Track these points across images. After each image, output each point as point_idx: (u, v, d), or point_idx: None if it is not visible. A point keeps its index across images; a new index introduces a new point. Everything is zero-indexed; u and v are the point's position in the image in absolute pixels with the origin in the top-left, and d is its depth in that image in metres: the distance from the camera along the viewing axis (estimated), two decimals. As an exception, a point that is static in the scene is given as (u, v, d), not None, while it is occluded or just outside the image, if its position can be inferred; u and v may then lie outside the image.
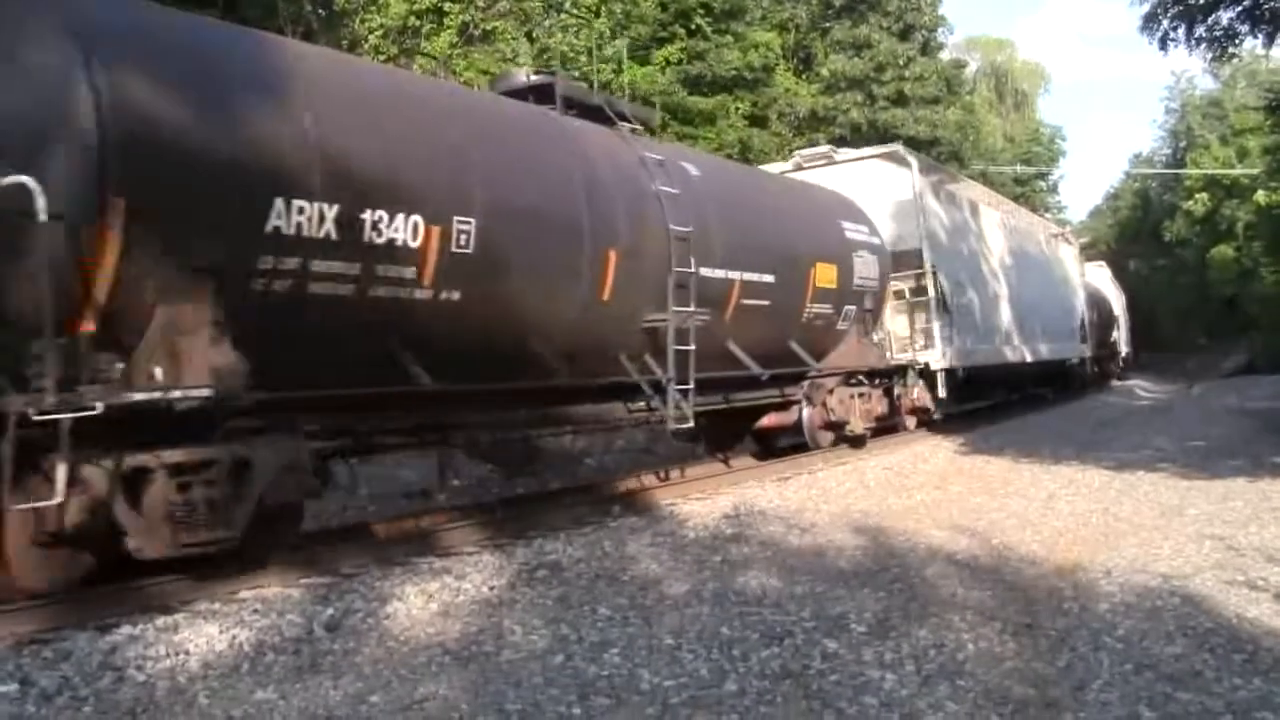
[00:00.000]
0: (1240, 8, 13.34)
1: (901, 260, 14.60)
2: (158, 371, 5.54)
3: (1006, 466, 11.66)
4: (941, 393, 15.01)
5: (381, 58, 19.14)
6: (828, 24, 33.61)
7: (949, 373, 15.16)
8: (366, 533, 8.39)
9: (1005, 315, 18.90)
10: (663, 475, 11.06)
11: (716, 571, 6.37)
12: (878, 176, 15.35)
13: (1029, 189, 49.28)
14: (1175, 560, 6.47)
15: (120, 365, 5.47)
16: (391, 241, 6.60)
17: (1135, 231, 62.80)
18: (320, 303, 6.30)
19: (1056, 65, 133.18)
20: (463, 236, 7.08)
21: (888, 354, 14.14)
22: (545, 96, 9.19)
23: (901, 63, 32.36)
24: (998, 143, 51.85)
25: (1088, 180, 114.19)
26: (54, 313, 5.04)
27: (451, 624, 5.28)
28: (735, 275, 10.10)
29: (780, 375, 11.26)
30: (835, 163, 15.69)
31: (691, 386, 9.28)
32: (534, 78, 9.58)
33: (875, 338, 13.64)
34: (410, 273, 6.80)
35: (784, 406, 12.14)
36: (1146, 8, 14.14)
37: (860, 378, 13.00)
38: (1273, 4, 13.13)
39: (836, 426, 12.71)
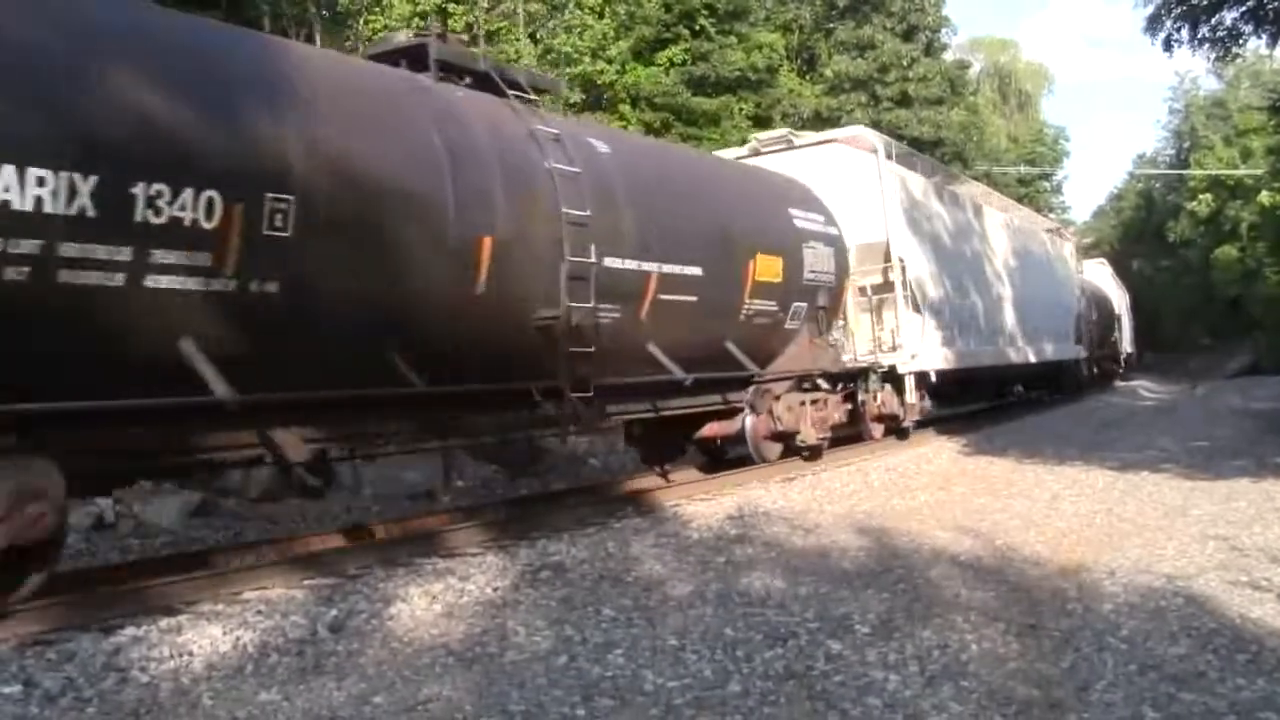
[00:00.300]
0: (1244, 8, 13.37)
1: (866, 253, 13.53)
2: None
3: (1010, 467, 11.66)
4: (910, 399, 13.90)
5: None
6: (831, 25, 33.71)
7: (919, 377, 14.09)
8: (368, 533, 8.39)
9: (987, 314, 17.79)
10: (666, 476, 11.07)
11: (720, 572, 6.37)
12: (840, 162, 14.11)
13: (1033, 190, 49.34)
14: (1179, 561, 6.47)
15: None
16: (177, 222, 5.50)
17: (1139, 232, 62.81)
18: (73, 294, 5.20)
19: (1060, 66, 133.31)
20: (278, 217, 5.92)
21: (851, 356, 13.02)
22: (420, 60, 8.00)
23: (905, 63, 32.43)
24: (1001, 143, 51.82)
25: (1091, 181, 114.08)
26: None
27: (455, 625, 5.29)
28: (651, 267, 8.89)
29: (716, 380, 10.17)
30: (795, 147, 14.38)
31: (591, 394, 8.17)
32: (410, 39, 8.44)
33: (833, 338, 12.39)
34: (205, 259, 5.69)
35: (728, 414, 11.00)
36: (1150, 9, 14.20)
37: (818, 382, 11.86)
38: (1276, 4, 13.13)
39: (785, 437, 11.42)
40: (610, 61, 24.02)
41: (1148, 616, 5.24)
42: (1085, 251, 46.20)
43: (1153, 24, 14.15)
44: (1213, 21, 13.71)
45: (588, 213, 8.12)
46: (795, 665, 4.57)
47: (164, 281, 5.55)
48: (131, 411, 5.62)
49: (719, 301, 10.01)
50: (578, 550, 7.01)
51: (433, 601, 5.71)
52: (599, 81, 23.77)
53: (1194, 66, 60.31)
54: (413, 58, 7.99)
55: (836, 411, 12.23)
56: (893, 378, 13.66)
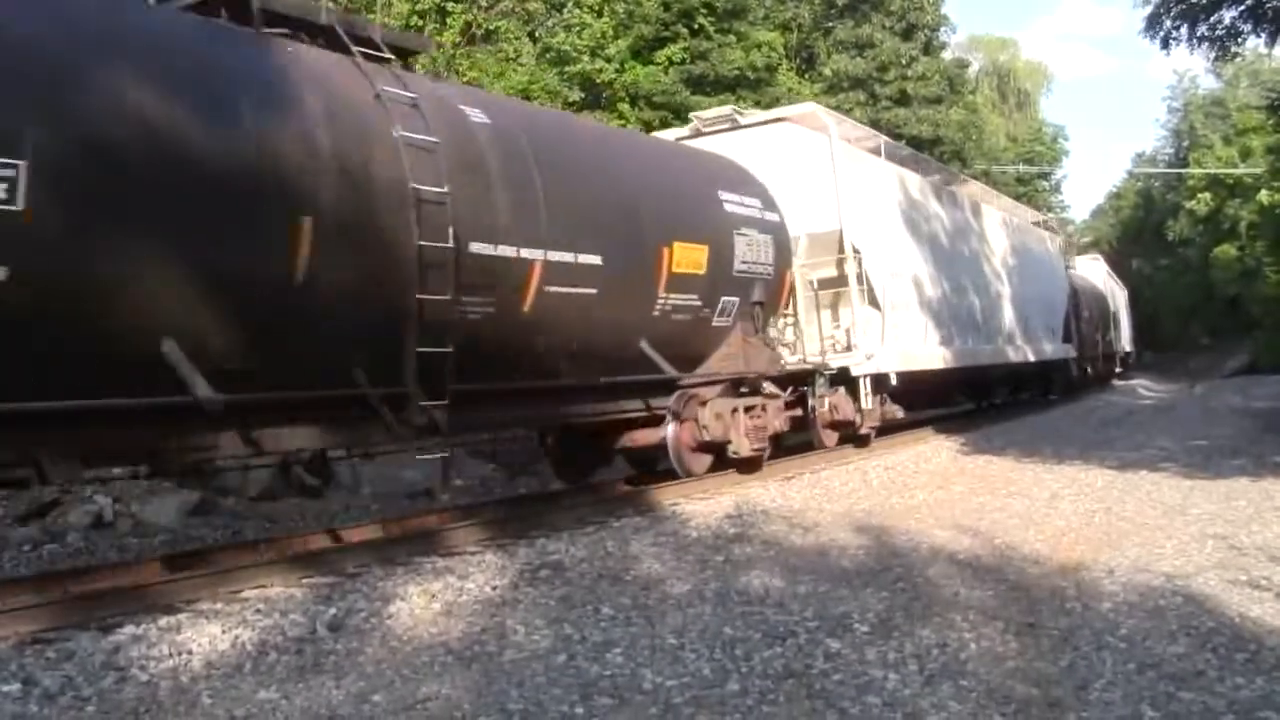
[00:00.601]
0: (1242, 7, 13.40)
1: (818, 243, 12.42)
2: None
3: (1009, 466, 11.67)
4: (866, 403, 12.47)
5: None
6: (830, 23, 33.68)
7: (877, 380, 12.68)
8: (368, 533, 8.38)
9: (961, 311, 16.34)
10: (666, 475, 11.04)
11: (719, 571, 6.37)
12: (790, 143, 12.81)
13: (1031, 188, 49.28)
14: (1178, 560, 6.47)
15: None
16: None
17: (1138, 231, 62.84)
18: None
19: (1059, 64, 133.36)
20: (2, 186, 4.96)
21: (800, 356, 11.85)
22: (242, 8, 6.84)
23: (904, 62, 32.42)
24: (1000, 142, 51.80)
25: (1090, 180, 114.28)
26: None
27: (454, 623, 5.29)
28: (534, 254, 7.81)
29: (635, 384, 9.21)
30: (740, 127, 13.05)
31: (446, 402, 7.08)
32: None
33: (774, 337, 11.28)
34: None
35: (654, 422, 9.88)
36: (1149, 9, 14.20)
37: (762, 385, 10.74)
38: (1274, 3, 13.15)
39: (714, 448, 10.14)
40: (609, 60, 24.00)
41: (1146, 615, 5.25)
42: (1083, 250, 46.31)
43: (1152, 24, 14.18)
44: (1211, 20, 13.74)
45: (444, 189, 7.02)
46: (794, 664, 4.57)
47: None
48: None
49: (626, 295, 8.89)
50: (577, 549, 7.01)
51: (432, 600, 5.71)
52: (598, 80, 23.76)
53: (1193, 65, 60.47)
54: (234, 5, 6.82)
55: (777, 419, 10.96)
56: (847, 380, 12.31)
